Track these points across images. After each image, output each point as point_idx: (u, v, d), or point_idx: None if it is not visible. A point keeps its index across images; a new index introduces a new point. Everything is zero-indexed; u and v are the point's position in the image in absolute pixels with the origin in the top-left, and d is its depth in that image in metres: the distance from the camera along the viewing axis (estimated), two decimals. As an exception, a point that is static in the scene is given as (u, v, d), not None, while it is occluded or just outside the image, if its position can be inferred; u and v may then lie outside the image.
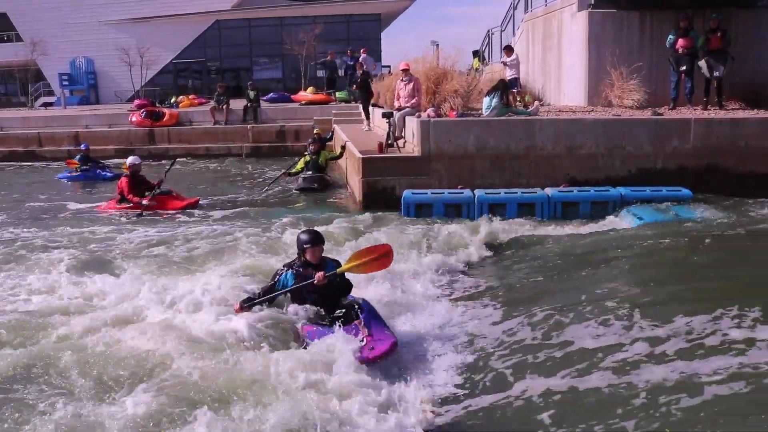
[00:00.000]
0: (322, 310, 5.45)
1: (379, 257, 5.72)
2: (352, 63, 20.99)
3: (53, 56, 35.49)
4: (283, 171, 14.62)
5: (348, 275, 5.69)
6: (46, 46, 34.70)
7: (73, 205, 12.56)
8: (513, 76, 13.94)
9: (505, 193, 9.96)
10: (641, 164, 10.40)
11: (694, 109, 12.04)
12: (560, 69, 14.81)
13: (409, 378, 4.71)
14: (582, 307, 5.63)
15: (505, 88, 11.48)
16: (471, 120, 11.04)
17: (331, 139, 17.08)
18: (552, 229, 9.13)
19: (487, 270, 7.80)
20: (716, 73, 11.92)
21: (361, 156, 10.74)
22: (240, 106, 22.04)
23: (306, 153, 14.22)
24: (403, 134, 11.86)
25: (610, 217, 9.41)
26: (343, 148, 13.84)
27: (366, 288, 6.30)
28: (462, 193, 10.07)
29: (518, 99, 13.71)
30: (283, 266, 5.75)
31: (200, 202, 12.02)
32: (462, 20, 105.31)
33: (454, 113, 11.67)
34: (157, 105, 25.22)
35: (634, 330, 4.96)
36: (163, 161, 19.56)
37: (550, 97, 15.37)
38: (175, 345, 5.08)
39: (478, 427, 4.24)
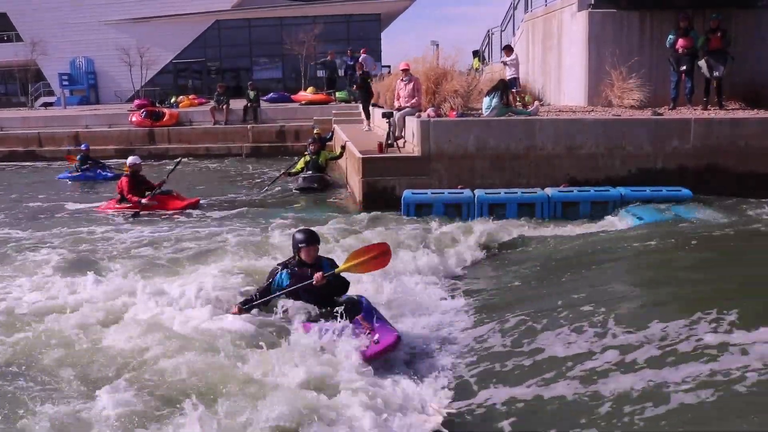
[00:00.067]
0: (315, 308, 5.43)
1: (377, 256, 5.70)
2: (352, 63, 20.99)
3: (53, 56, 35.51)
4: (283, 171, 14.62)
5: (344, 273, 5.69)
6: (46, 46, 34.72)
7: (71, 205, 12.55)
8: (512, 76, 13.94)
9: (505, 193, 9.96)
10: (641, 164, 10.40)
11: (694, 109, 12.04)
12: (560, 69, 14.81)
13: (409, 375, 4.70)
14: (562, 311, 5.62)
15: (505, 88, 11.48)
16: (471, 120, 11.04)
17: (331, 139, 17.09)
18: (552, 230, 9.13)
19: (482, 271, 7.79)
20: (716, 73, 11.92)
21: (361, 156, 10.74)
22: (240, 106, 22.05)
23: (306, 153, 14.23)
24: (403, 134, 11.86)
25: (610, 217, 9.41)
26: (343, 148, 13.84)
27: (362, 286, 6.28)
28: (462, 193, 10.07)
29: (518, 99, 13.71)
30: (278, 265, 5.74)
31: (200, 202, 12.02)
32: (462, 20, 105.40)
33: (454, 113, 11.68)
34: (157, 105, 25.23)
35: (608, 337, 4.92)
36: (164, 161, 19.65)
37: (550, 97, 15.37)
38: (170, 344, 5.08)
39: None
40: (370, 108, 16.17)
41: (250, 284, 6.64)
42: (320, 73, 26.77)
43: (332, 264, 5.71)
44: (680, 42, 12.17)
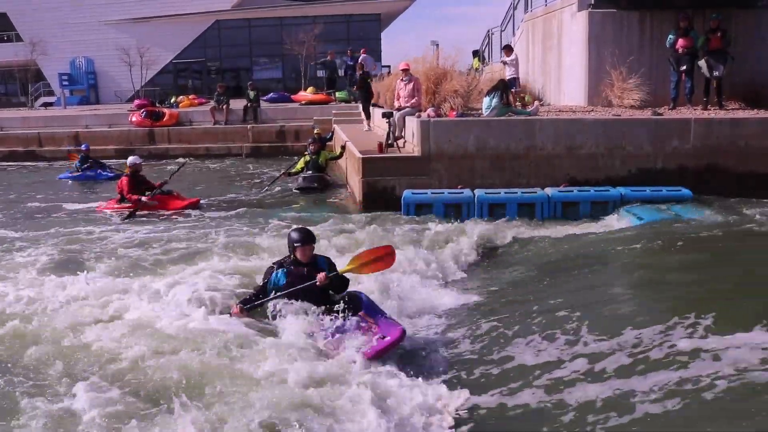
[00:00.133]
0: (315, 308, 5.41)
1: (382, 257, 5.73)
2: (352, 63, 21.00)
3: (53, 56, 35.52)
4: (283, 171, 14.63)
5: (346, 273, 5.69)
6: (46, 46, 34.73)
7: (69, 205, 12.53)
8: (512, 76, 13.93)
9: (505, 193, 9.96)
10: (641, 164, 10.40)
11: (694, 109, 12.04)
12: (560, 69, 14.81)
13: (407, 375, 4.68)
14: (540, 317, 5.61)
15: (505, 88, 11.48)
16: (471, 120, 11.04)
17: (331, 139, 17.09)
18: (551, 230, 9.12)
19: (480, 272, 7.76)
20: (716, 73, 11.92)
21: (361, 156, 10.74)
22: (240, 106, 22.05)
23: (306, 153, 14.23)
24: (403, 134, 11.86)
25: (610, 217, 9.41)
26: (343, 148, 13.84)
27: (360, 287, 6.27)
28: (462, 193, 10.07)
29: (517, 99, 13.71)
30: (274, 264, 5.72)
31: (200, 202, 12.01)
32: (462, 20, 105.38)
33: (454, 113, 11.68)
34: (157, 105, 25.23)
35: (579, 346, 4.90)
36: (164, 161, 19.66)
37: (550, 97, 15.37)
38: (171, 345, 5.10)
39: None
40: (370, 108, 16.16)
41: (244, 284, 6.65)
42: (320, 73, 26.76)
43: (329, 262, 5.71)
44: (680, 42, 12.17)
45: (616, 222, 9.19)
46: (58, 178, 16.70)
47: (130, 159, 12.14)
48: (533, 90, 16.24)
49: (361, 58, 19.30)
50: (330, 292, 5.59)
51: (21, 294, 6.61)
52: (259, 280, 6.09)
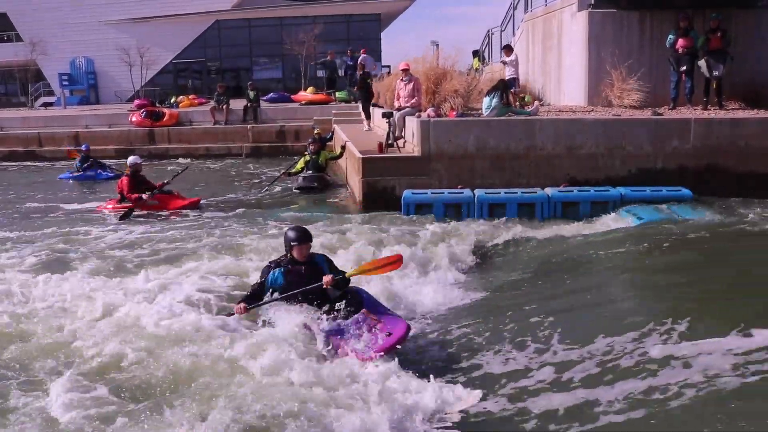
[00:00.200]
0: (314, 307, 5.39)
1: (390, 263, 5.79)
2: (352, 63, 21.00)
3: (53, 56, 35.51)
4: (283, 171, 14.63)
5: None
6: (46, 46, 34.72)
7: (68, 205, 12.52)
8: (512, 76, 13.93)
9: (505, 193, 9.96)
10: (641, 164, 10.39)
11: (694, 109, 12.04)
12: (560, 69, 14.81)
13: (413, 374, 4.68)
14: (533, 319, 5.63)
15: (505, 88, 11.48)
16: (471, 120, 11.04)
17: (331, 139, 17.09)
18: (551, 230, 9.12)
19: (478, 272, 7.74)
20: (716, 73, 11.91)
21: (361, 156, 10.74)
22: (240, 106, 22.05)
23: (306, 153, 14.24)
24: (403, 134, 11.86)
25: (610, 217, 9.41)
26: (343, 148, 13.84)
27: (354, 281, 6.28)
28: (462, 193, 10.07)
29: (517, 99, 13.70)
30: (271, 263, 5.67)
31: (201, 202, 12.02)
32: (462, 20, 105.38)
33: (454, 113, 11.67)
34: (157, 105, 25.23)
35: (548, 354, 4.91)
36: (164, 161, 19.67)
37: (550, 97, 15.37)
38: (173, 344, 5.09)
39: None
40: (370, 108, 16.16)
41: (238, 284, 6.68)
42: (320, 73, 26.76)
43: (327, 260, 5.68)
44: (680, 42, 12.16)
45: (616, 222, 9.20)
46: (58, 178, 16.69)
47: (131, 159, 12.13)
48: (533, 90, 16.24)
49: (361, 58, 19.30)
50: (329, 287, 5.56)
51: (12, 290, 6.64)
52: (253, 280, 6.08)
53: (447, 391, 4.45)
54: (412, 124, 11.18)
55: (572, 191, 9.98)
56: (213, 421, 3.91)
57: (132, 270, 7.44)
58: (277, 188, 13.87)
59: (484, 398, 4.39)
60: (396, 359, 4.72)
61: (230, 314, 5.55)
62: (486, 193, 9.94)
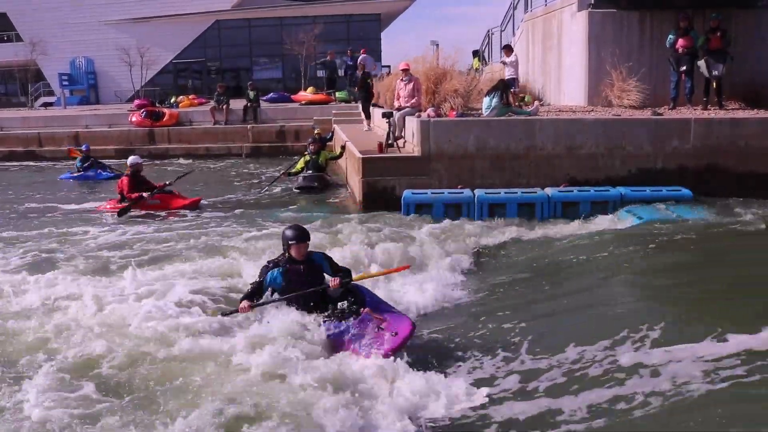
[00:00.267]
0: (321, 313, 5.36)
1: (396, 270, 5.86)
2: (352, 63, 20.99)
3: (53, 56, 35.50)
4: (283, 171, 14.64)
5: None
6: (46, 46, 34.71)
7: (66, 205, 12.50)
8: (511, 76, 13.92)
9: (505, 193, 9.96)
10: (641, 164, 10.39)
11: (694, 109, 12.04)
12: (560, 69, 14.81)
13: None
14: (530, 321, 5.64)
15: (505, 88, 11.47)
16: (471, 120, 11.04)
17: (331, 139, 17.09)
18: (551, 230, 9.12)
19: (477, 272, 7.73)
20: (715, 73, 11.91)
21: (361, 156, 10.74)
22: (240, 106, 22.05)
23: (306, 153, 14.24)
24: (403, 134, 11.86)
25: (610, 217, 9.41)
26: (343, 148, 13.84)
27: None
28: (462, 193, 10.06)
29: (517, 99, 13.70)
30: (269, 263, 5.62)
31: (201, 201, 12.02)
32: (462, 20, 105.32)
33: (454, 113, 11.67)
34: (157, 105, 25.23)
35: (516, 362, 4.90)
36: (165, 161, 19.68)
37: (550, 97, 15.37)
38: (175, 343, 5.09)
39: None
40: (370, 108, 16.16)
41: (234, 284, 6.67)
42: (320, 73, 26.76)
43: (326, 257, 5.65)
44: (680, 42, 12.17)
45: (616, 222, 9.20)
46: (59, 179, 16.67)
47: (131, 159, 12.13)
48: (533, 90, 16.24)
49: (360, 58, 19.29)
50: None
51: (3, 289, 6.64)
52: (248, 281, 6.05)
53: (440, 390, 4.45)
54: (412, 124, 11.18)
55: (572, 191, 9.98)
56: (215, 421, 3.90)
57: (125, 270, 7.35)
58: (277, 188, 13.88)
59: (450, 407, 4.30)
60: (399, 358, 4.72)
61: (234, 312, 5.52)
62: (486, 193, 9.94)
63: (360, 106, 17.23)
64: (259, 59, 37.13)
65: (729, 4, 12.81)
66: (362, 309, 5.17)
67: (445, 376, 4.67)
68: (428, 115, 11.10)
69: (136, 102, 25.99)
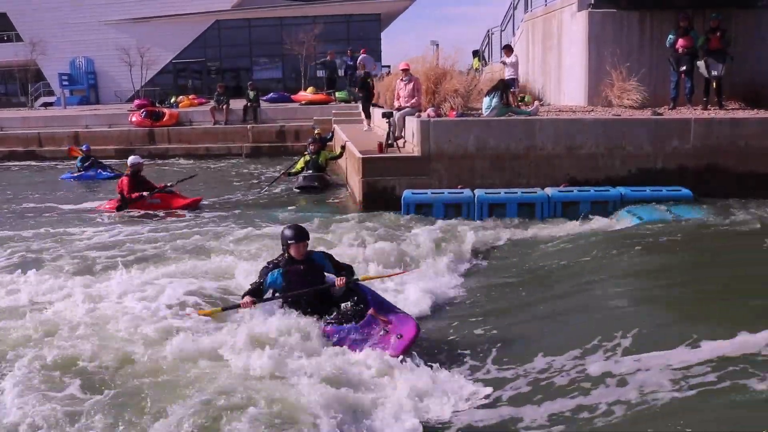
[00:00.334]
0: (310, 305, 5.35)
1: (402, 273, 5.86)
2: (352, 63, 20.99)
3: (53, 56, 35.50)
4: (282, 171, 14.64)
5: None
6: (46, 46, 34.70)
7: (65, 205, 12.49)
8: (511, 76, 13.91)
9: (505, 193, 9.96)
10: (641, 164, 10.39)
11: (694, 109, 12.04)
12: (560, 69, 14.81)
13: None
14: (527, 323, 5.63)
15: (505, 88, 11.48)
16: (471, 120, 11.04)
17: (331, 139, 17.09)
18: (551, 230, 9.12)
19: (475, 273, 7.71)
20: (714, 73, 11.92)
21: (361, 156, 10.74)
22: (240, 106, 22.04)
23: (306, 153, 14.24)
24: (403, 134, 11.86)
25: (610, 217, 9.42)
26: (343, 148, 13.85)
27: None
28: (462, 193, 10.07)
29: (517, 99, 13.69)
30: (269, 263, 5.57)
31: (201, 201, 12.03)
32: (462, 20, 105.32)
33: (454, 113, 11.67)
34: (157, 105, 25.23)
35: (486, 371, 4.88)
36: (166, 161, 19.68)
37: (550, 97, 15.37)
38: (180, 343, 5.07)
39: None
40: (370, 108, 16.16)
41: (232, 284, 6.66)
42: (320, 73, 26.77)
43: (327, 256, 5.62)
44: (680, 42, 12.17)
45: (616, 222, 9.20)
46: (60, 179, 16.66)
47: (131, 159, 12.12)
48: (533, 90, 16.24)
49: (360, 58, 19.28)
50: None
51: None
52: (246, 281, 6.04)
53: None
54: (412, 124, 11.18)
55: (572, 191, 9.98)
56: (218, 421, 3.90)
57: (117, 269, 7.34)
58: (277, 188, 13.88)
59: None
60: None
61: (235, 306, 5.49)
62: (486, 193, 9.95)
63: (360, 106, 17.23)
64: (259, 59, 37.13)
65: (729, 4, 12.82)
66: (367, 310, 5.13)
67: (439, 377, 4.68)
68: (428, 115, 11.10)
69: (136, 102, 25.99)
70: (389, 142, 11.58)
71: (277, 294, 5.44)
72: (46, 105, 34.12)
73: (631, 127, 10.53)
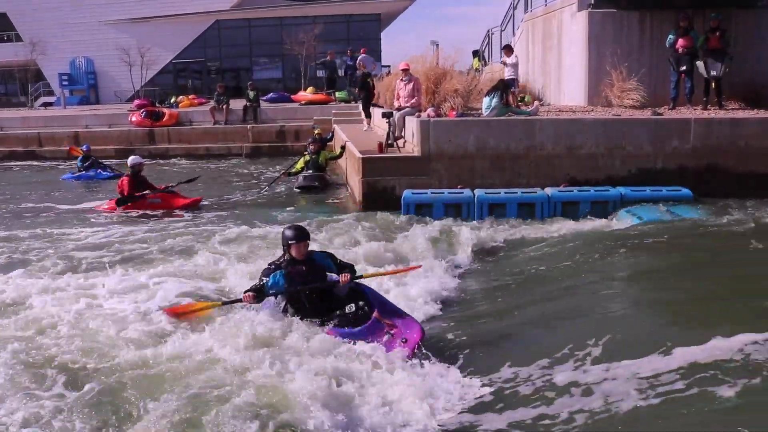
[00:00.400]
0: (314, 307, 5.34)
1: (407, 270, 5.84)
2: (352, 63, 20.98)
3: (53, 56, 35.49)
4: (282, 171, 14.64)
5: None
6: (46, 46, 34.69)
7: (64, 205, 12.48)
8: (511, 77, 13.91)
9: (505, 193, 9.96)
10: (641, 164, 10.40)
11: (694, 109, 12.04)
12: (560, 69, 14.81)
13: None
14: (525, 324, 5.60)
15: (505, 88, 11.48)
16: (471, 120, 11.04)
17: (331, 139, 17.08)
18: (551, 230, 9.11)
19: (476, 272, 7.70)
20: (713, 73, 11.92)
21: (361, 156, 10.74)
22: (240, 106, 22.04)
23: (306, 153, 14.24)
24: (403, 134, 11.86)
25: (610, 217, 9.42)
26: (343, 147, 13.85)
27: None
28: (462, 193, 10.06)
29: (517, 99, 13.69)
30: (270, 265, 5.54)
31: (202, 201, 12.03)
32: (462, 20, 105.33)
33: (454, 113, 11.67)
34: (157, 105, 25.23)
35: (501, 367, 4.85)
36: (167, 161, 19.68)
37: (550, 97, 15.37)
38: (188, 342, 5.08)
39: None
40: (371, 108, 16.16)
41: (229, 285, 6.66)
42: (320, 73, 26.76)
43: (329, 255, 5.60)
44: (680, 42, 12.17)
45: (615, 222, 9.20)
46: (61, 179, 16.64)
47: (131, 159, 12.12)
48: (533, 90, 16.24)
49: (360, 58, 19.27)
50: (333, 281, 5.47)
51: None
52: (244, 282, 6.04)
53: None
54: (412, 124, 11.18)
55: (572, 191, 9.98)
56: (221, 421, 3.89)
57: (111, 269, 7.36)
58: (277, 188, 13.88)
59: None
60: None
61: (237, 300, 5.49)
62: (486, 193, 9.94)
63: (360, 106, 17.23)
64: (259, 59, 37.13)
65: (729, 4, 12.82)
66: (371, 313, 5.11)
67: (434, 377, 4.68)
68: (428, 115, 11.10)
69: (136, 102, 25.98)
70: (389, 142, 11.58)
71: (280, 298, 5.40)
72: (46, 105, 34.12)
73: (631, 127, 10.53)
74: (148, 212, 11.33)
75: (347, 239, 8.41)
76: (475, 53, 20.80)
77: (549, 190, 9.99)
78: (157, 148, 20.98)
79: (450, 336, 5.58)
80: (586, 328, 5.30)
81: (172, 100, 26.37)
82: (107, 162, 17.63)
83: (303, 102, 23.10)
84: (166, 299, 6.07)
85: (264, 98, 23.82)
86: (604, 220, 9.33)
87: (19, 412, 4.16)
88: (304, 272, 5.36)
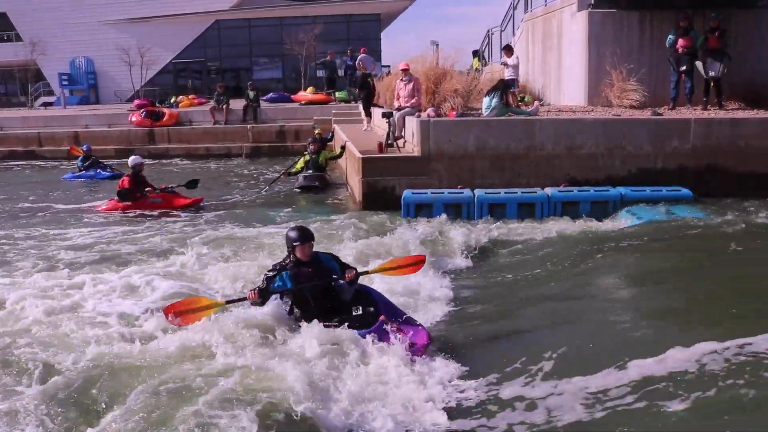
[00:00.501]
0: (319, 308, 5.30)
1: (412, 264, 5.79)
2: (352, 63, 20.97)
3: (53, 56, 35.49)
4: (282, 171, 14.64)
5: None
6: (46, 46, 34.70)
7: (63, 205, 12.47)
8: (511, 77, 13.90)
9: (505, 193, 9.96)
10: (641, 164, 10.40)
11: (694, 109, 12.04)
12: (560, 69, 14.82)
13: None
14: (525, 325, 5.59)
15: (505, 88, 11.48)
16: (471, 120, 11.04)
17: (331, 139, 17.08)
18: (551, 230, 9.10)
19: (475, 272, 7.69)
20: (712, 73, 11.92)
21: (361, 156, 10.74)
22: (240, 106, 22.04)
23: (306, 153, 14.24)
24: (403, 134, 11.86)
25: (610, 217, 9.42)
26: (343, 147, 13.85)
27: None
28: (462, 193, 10.06)
29: (517, 99, 13.68)
30: (275, 266, 5.48)
31: (202, 201, 12.04)
32: (462, 20, 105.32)
33: (454, 113, 11.67)
34: (157, 105, 25.23)
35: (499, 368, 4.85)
36: (167, 161, 19.68)
37: (550, 97, 15.37)
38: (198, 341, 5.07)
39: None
40: (371, 108, 16.16)
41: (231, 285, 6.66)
42: (320, 73, 26.77)
43: (334, 258, 5.56)
44: (680, 42, 12.17)
45: (615, 222, 9.20)
46: (62, 179, 16.62)
47: (131, 159, 12.12)
48: (533, 90, 16.24)
49: (359, 58, 19.24)
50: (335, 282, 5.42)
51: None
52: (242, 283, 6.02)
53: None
54: (412, 124, 11.18)
55: (572, 191, 9.98)
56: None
57: (108, 269, 7.41)
58: (277, 188, 13.88)
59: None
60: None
61: (241, 299, 5.46)
62: (486, 193, 9.94)
63: (360, 106, 17.22)
64: (259, 59, 37.13)
65: (729, 4, 12.82)
66: (377, 316, 5.09)
67: (434, 377, 4.68)
68: (428, 115, 11.10)
69: (136, 102, 25.98)
70: (389, 142, 11.58)
71: (287, 299, 5.35)
72: (45, 105, 34.13)
73: (631, 127, 10.53)
74: (146, 213, 11.33)
75: (347, 239, 8.40)
76: (475, 53, 20.79)
77: (549, 190, 9.99)
78: (157, 148, 20.99)
79: (450, 336, 5.57)
80: (586, 329, 5.32)
81: (172, 100, 26.37)
82: (107, 162, 17.63)
83: (303, 102, 23.11)
84: (161, 299, 6.05)
85: (264, 98, 23.82)
86: (604, 221, 9.33)
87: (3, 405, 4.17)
88: (311, 274, 5.29)
